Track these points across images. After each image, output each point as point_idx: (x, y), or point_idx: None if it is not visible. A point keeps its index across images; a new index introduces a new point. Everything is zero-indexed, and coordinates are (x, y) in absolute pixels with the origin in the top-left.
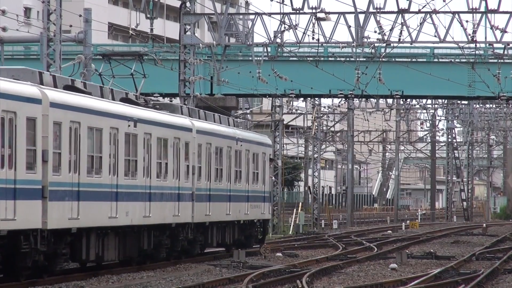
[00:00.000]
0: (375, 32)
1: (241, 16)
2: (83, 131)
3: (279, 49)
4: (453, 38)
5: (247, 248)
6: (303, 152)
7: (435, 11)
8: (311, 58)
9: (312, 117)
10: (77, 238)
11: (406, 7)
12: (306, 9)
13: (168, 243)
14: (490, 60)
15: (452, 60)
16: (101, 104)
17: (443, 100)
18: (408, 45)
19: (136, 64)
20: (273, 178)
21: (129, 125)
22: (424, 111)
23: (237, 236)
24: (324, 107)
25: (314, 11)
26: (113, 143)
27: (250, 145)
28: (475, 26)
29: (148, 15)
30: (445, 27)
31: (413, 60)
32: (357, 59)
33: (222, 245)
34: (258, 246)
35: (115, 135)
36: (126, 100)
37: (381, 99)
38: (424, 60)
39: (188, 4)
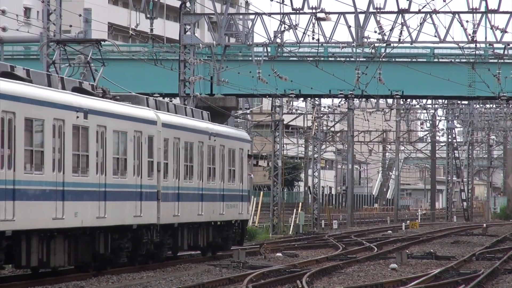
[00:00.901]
0: (375, 32)
1: (241, 16)
2: (19, 122)
3: (279, 49)
4: (453, 38)
5: (225, 251)
6: (303, 152)
7: (435, 11)
8: (311, 58)
9: (312, 117)
10: (15, 242)
11: (406, 7)
12: (306, 9)
13: (129, 246)
14: (490, 60)
15: (452, 60)
16: (43, 93)
17: (443, 100)
18: (408, 45)
19: (94, 50)
20: (252, 175)
21: (77, 117)
22: (424, 111)
23: (212, 238)
24: (324, 107)
25: (314, 11)
26: (58, 136)
27: (225, 140)
28: (475, 26)
29: (148, 15)
30: (445, 27)
31: (413, 60)
32: (357, 59)
33: (195, 248)
34: (237, 248)
35: (61, 127)
36: (78, 90)
37: (381, 99)
38: (424, 60)
39: (188, 4)
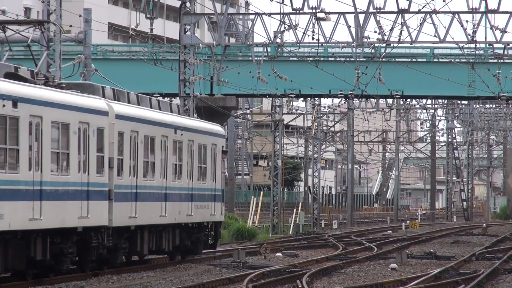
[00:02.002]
0: (375, 32)
1: (241, 16)
2: None
3: (279, 49)
4: (453, 38)
5: (195, 255)
6: (303, 152)
7: (435, 11)
8: (311, 58)
9: (312, 117)
10: None
11: (406, 7)
12: (306, 9)
13: (74, 251)
14: (490, 60)
15: (452, 60)
16: None
17: (443, 100)
18: (408, 45)
19: (38, 33)
20: (227, 173)
21: (4, 105)
22: (424, 111)
23: (180, 241)
24: (324, 107)
25: (314, 11)
26: None
27: (195, 135)
28: (475, 26)
29: (148, 15)
30: (445, 27)
31: (413, 60)
32: (357, 59)
33: (159, 252)
34: (210, 251)
35: None
36: (12, 76)
37: (381, 99)
38: (424, 60)
39: (188, 4)
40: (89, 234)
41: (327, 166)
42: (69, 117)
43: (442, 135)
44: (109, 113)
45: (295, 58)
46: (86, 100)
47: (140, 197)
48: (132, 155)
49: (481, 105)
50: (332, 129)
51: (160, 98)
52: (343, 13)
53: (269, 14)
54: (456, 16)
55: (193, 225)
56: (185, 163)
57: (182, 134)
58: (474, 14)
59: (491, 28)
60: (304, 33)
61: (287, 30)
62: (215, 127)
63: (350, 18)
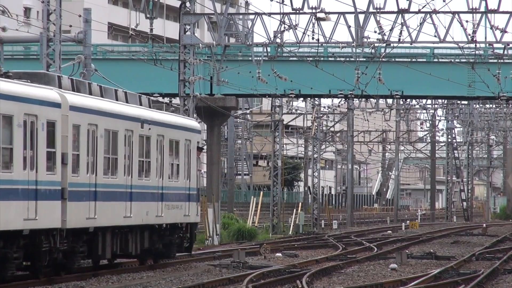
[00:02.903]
0: (375, 32)
1: (241, 16)
2: None
3: (279, 49)
4: (453, 38)
5: (167, 259)
6: (303, 152)
7: (435, 11)
8: (311, 58)
9: (312, 117)
10: None
11: (406, 7)
12: (306, 9)
13: (20, 256)
14: (490, 60)
15: (452, 60)
16: None
17: (443, 100)
18: (408, 45)
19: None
20: (202, 171)
21: None
22: (424, 111)
23: (150, 244)
24: (324, 107)
25: (314, 11)
26: None
27: (166, 129)
28: (475, 26)
29: (148, 15)
30: (445, 27)
31: (413, 60)
32: (357, 59)
33: (125, 256)
34: (186, 254)
35: None
36: None
37: (381, 99)
38: (424, 60)
39: (188, 4)
40: (38, 237)
41: (327, 166)
42: (12, 109)
43: (442, 135)
44: (62, 104)
45: (295, 58)
46: (34, 90)
47: (100, 196)
48: (90, 150)
49: (481, 105)
50: (332, 129)
51: (128, 91)
52: (343, 13)
53: (269, 14)
54: (456, 16)
55: (166, 226)
56: (154, 160)
57: (150, 129)
58: (474, 14)
59: (491, 28)
60: (304, 33)
61: (287, 30)
62: (190, 122)
63: (350, 18)
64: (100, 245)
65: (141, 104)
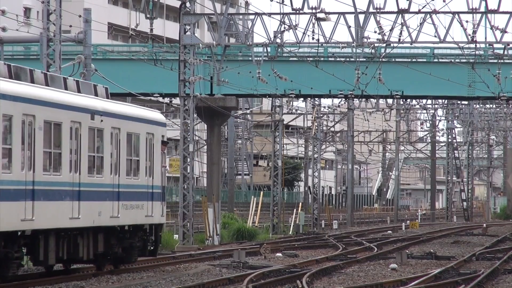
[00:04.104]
0: (375, 32)
1: (241, 16)
2: None
3: (279, 49)
4: (453, 38)
5: (128, 263)
6: (303, 152)
7: (435, 11)
8: (311, 58)
9: (312, 117)
10: None
11: (406, 7)
12: (306, 9)
13: None
14: (490, 60)
15: (452, 60)
16: None
17: (443, 100)
18: (408, 45)
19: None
20: (167, 167)
21: None
22: (424, 111)
23: (105, 248)
24: (324, 107)
25: (314, 11)
26: None
27: (122, 121)
28: (475, 26)
29: (148, 15)
30: (445, 27)
31: (413, 60)
32: (357, 59)
33: (75, 261)
34: (151, 257)
35: None
36: None
37: (381, 99)
38: (424, 60)
39: (188, 4)
40: None
41: (327, 166)
42: None
43: (442, 135)
44: None
45: (295, 58)
46: None
47: (39, 195)
48: (26, 144)
49: (481, 105)
50: (332, 129)
51: (82, 80)
52: (343, 13)
53: (269, 14)
54: (456, 16)
55: (128, 228)
56: (107, 155)
57: (102, 121)
58: (474, 14)
59: (491, 28)
60: (304, 33)
61: (287, 30)
62: (152, 114)
63: (350, 18)
64: (42, 250)
65: (96, 95)
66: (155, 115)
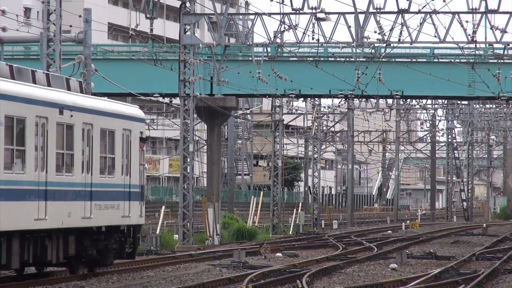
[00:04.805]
0: (375, 32)
1: (241, 16)
2: None
3: (279, 49)
4: (453, 38)
5: (104, 267)
6: (303, 152)
7: (435, 11)
8: (311, 58)
9: (312, 117)
10: None
11: (406, 7)
12: (306, 9)
13: None
14: (490, 60)
15: (452, 60)
16: None
17: (443, 100)
18: (408, 45)
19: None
20: (146, 165)
21: None
22: (424, 111)
23: (77, 250)
24: (324, 107)
25: (314, 11)
26: None
27: (95, 117)
28: (475, 26)
29: (148, 15)
30: (445, 27)
31: (413, 60)
32: (357, 59)
33: (43, 265)
34: (130, 260)
35: None
36: None
37: (381, 99)
38: (424, 60)
39: (188, 4)
40: None
41: (327, 166)
42: None
43: (442, 135)
44: None
45: (295, 58)
46: None
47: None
48: None
49: (481, 105)
50: (332, 129)
51: (54, 73)
52: (343, 13)
53: (269, 14)
54: (456, 16)
55: (104, 229)
56: (78, 152)
57: (72, 116)
58: (474, 14)
59: (491, 28)
60: (304, 33)
61: (287, 30)
62: (129, 109)
63: (350, 18)
64: (5, 253)
65: (69, 89)
66: (133, 110)
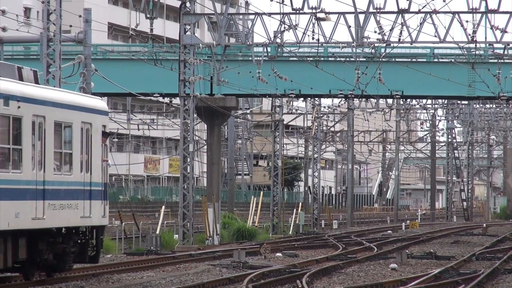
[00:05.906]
0: (375, 32)
1: (241, 16)
2: None
3: (279, 49)
4: (453, 38)
5: (62, 271)
6: (303, 152)
7: (435, 11)
8: (311, 58)
9: (312, 117)
10: None
11: (406, 7)
12: (306, 9)
13: None
14: (490, 60)
15: (452, 60)
16: None
17: (443, 100)
18: (408, 45)
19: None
20: (109, 162)
21: None
22: (424, 111)
23: (29, 254)
24: (324, 107)
25: (314, 11)
26: None
27: (48, 108)
28: (475, 26)
29: (148, 15)
30: (445, 27)
31: (413, 60)
32: (357, 59)
33: None
34: (92, 264)
35: None
36: None
37: (381, 99)
38: (424, 60)
39: (188, 4)
40: None
41: (327, 166)
42: None
43: (442, 135)
44: None
45: (295, 58)
46: None
47: None
48: None
49: (481, 105)
50: (332, 129)
51: (2, 62)
52: (343, 13)
53: (269, 14)
54: (456, 16)
55: (61, 231)
56: (27, 147)
57: (20, 107)
58: (474, 14)
59: (491, 28)
60: (304, 33)
61: (287, 30)
62: (90, 101)
63: (350, 18)
64: None
65: (21, 79)
66: (94, 102)
